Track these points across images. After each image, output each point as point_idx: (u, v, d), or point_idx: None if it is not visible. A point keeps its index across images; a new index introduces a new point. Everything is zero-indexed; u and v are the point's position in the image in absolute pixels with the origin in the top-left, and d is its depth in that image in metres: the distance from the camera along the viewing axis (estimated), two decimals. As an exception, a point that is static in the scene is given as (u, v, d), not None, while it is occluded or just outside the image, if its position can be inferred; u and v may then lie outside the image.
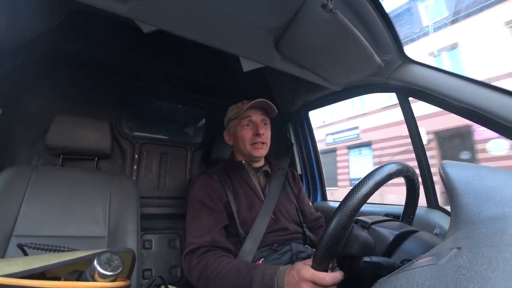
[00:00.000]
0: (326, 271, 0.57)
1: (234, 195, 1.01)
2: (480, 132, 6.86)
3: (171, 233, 1.41)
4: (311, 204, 1.35)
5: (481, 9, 7.59)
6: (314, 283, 0.60)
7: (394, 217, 0.79)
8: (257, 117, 1.08)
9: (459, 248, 0.33)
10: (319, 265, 0.56)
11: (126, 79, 1.46)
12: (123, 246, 0.96)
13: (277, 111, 1.10)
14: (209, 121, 1.68)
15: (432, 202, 1.06)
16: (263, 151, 1.08)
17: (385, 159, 8.93)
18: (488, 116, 0.78)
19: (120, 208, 1.05)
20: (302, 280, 0.62)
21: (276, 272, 0.70)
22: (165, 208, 1.45)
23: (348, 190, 0.54)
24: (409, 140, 1.11)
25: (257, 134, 1.05)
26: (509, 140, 0.77)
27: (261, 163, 1.15)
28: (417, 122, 1.08)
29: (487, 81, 0.84)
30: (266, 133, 1.08)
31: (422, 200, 0.81)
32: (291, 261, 0.92)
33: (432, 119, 6.69)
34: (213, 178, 1.03)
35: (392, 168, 0.57)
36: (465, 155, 7.38)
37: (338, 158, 11.27)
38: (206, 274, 0.80)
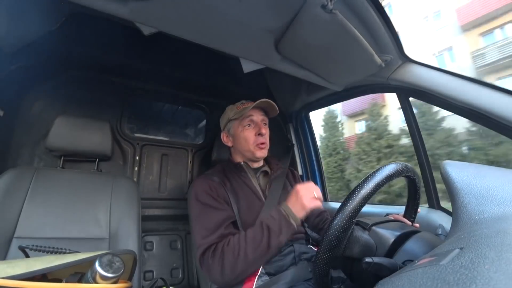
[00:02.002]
0: (328, 273, 0.57)
1: (234, 196, 1.00)
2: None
3: (172, 235, 1.41)
4: None
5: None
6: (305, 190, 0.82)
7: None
8: (258, 117, 1.07)
9: (461, 248, 0.33)
10: (320, 268, 0.56)
11: (126, 80, 1.46)
12: (124, 248, 0.96)
13: (278, 111, 1.09)
14: (209, 122, 1.68)
15: (433, 202, 1.06)
16: (265, 151, 1.07)
17: None
18: (489, 116, 0.78)
19: (121, 209, 1.05)
20: (298, 194, 0.82)
21: (280, 210, 0.84)
22: (166, 210, 1.45)
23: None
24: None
25: (260, 134, 1.05)
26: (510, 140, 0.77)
27: (260, 163, 1.14)
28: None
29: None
30: (267, 133, 1.08)
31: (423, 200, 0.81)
32: (294, 262, 0.92)
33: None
34: (212, 180, 1.01)
35: (392, 168, 0.57)
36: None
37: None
38: (228, 262, 0.80)
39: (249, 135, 1.05)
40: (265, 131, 1.07)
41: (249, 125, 1.06)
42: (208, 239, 0.86)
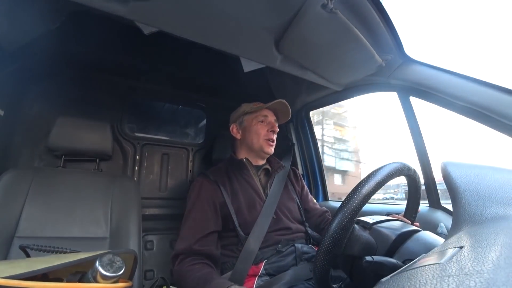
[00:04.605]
0: (328, 272, 0.57)
1: (232, 195, 1.00)
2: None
3: (172, 234, 1.41)
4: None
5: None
6: None
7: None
8: (271, 117, 1.14)
9: (461, 248, 0.33)
10: (320, 266, 0.56)
11: (127, 80, 1.46)
12: (125, 247, 0.96)
13: (290, 117, 1.17)
14: (210, 122, 1.68)
15: (434, 201, 1.06)
16: (273, 148, 1.12)
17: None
18: (489, 115, 0.78)
19: (121, 209, 1.05)
20: None
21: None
22: (166, 209, 1.45)
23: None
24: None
25: (272, 131, 1.11)
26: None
27: (262, 161, 1.15)
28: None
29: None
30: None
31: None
32: (295, 263, 0.92)
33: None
34: (208, 179, 1.02)
35: (392, 167, 0.57)
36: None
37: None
38: (180, 279, 0.85)
39: (261, 129, 1.10)
40: (277, 130, 1.13)
41: (262, 121, 1.12)
42: (181, 245, 0.89)
